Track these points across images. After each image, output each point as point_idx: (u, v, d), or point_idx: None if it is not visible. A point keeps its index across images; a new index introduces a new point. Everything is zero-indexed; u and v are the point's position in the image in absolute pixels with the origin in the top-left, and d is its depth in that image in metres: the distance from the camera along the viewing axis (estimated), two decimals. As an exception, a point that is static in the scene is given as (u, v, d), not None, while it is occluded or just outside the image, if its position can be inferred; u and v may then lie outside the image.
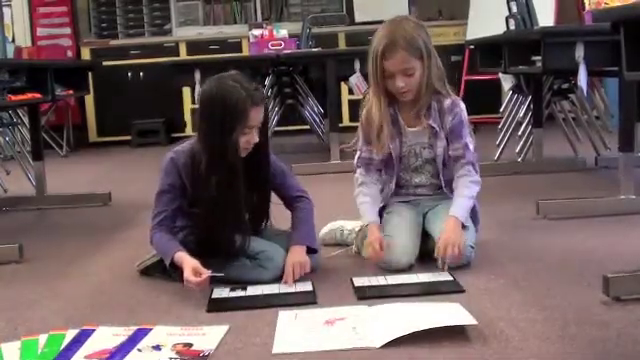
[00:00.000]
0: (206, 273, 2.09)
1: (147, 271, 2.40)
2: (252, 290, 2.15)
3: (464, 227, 2.30)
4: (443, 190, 2.44)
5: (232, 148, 2.16)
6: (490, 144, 4.77)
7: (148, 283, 2.34)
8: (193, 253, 2.17)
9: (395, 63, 2.27)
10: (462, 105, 2.38)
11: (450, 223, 2.28)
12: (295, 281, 2.19)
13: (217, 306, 2.04)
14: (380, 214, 2.47)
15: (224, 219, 2.22)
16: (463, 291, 2.07)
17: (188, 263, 2.12)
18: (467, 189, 2.35)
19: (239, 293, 2.13)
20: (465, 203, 2.33)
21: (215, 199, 2.19)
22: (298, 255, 2.24)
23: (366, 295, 2.07)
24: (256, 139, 2.20)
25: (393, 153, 2.42)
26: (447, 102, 2.36)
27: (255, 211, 2.35)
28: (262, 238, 2.33)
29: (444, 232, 2.26)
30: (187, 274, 2.09)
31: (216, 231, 2.23)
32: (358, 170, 2.48)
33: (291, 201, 2.39)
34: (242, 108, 2.13)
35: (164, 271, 2.32)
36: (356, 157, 2.49)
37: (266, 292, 2.13)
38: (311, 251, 2.30)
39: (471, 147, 2.37)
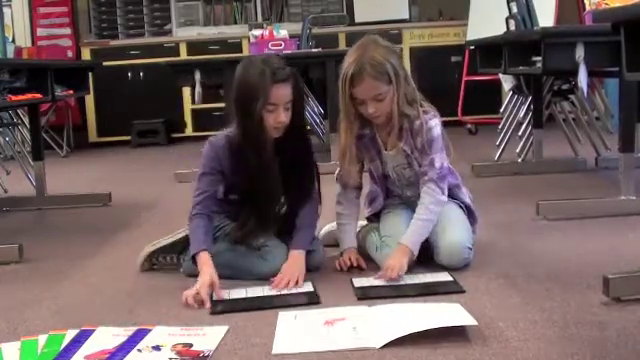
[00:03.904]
0: (207, 300, 2.06)
1: (155, 254, 2.43)
2: (252, 291, 2.15)
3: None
4: None
5: (256, 122, 2.18)
6: (490, 144, 4.77)
7: (148, 283, 2.34)
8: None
9: (363, 90, 2.26)
10: (434, 122, 2.31)
11: (398, 251, 2.23)
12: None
13: (217, 307, 2.04)
14: (378, 214, 2.49)
15: (259, 200, 2.26)
16: (463, 291, 2.07)
17: (208, 276, 2.10)
18: (426, 212, 2.28)
19: (239, 294, 2.13)
20: (420, 229, 2.27)
21: (251, 180, 2.24)
22: (295, 263, 2.23)
23: (366, 295, 2.07)
24: (284, 118, 2.21)
25: (375, 173, 2.45)
26: (417, 123, 2.30)
27: (293, 195, 2.34)
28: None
29: (390, 257, 2.22)
30: (201, 288, 2.07)
31: (254, 212, 2.27)
32: (338, 186, 2.47)
33: None
34: (262, 82, 2.16)
35: (172, 259, 2.40)
36: (337, 171, 2.48)
37: (266, 293, 2.13)
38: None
39: (437, 164, 2.30)
